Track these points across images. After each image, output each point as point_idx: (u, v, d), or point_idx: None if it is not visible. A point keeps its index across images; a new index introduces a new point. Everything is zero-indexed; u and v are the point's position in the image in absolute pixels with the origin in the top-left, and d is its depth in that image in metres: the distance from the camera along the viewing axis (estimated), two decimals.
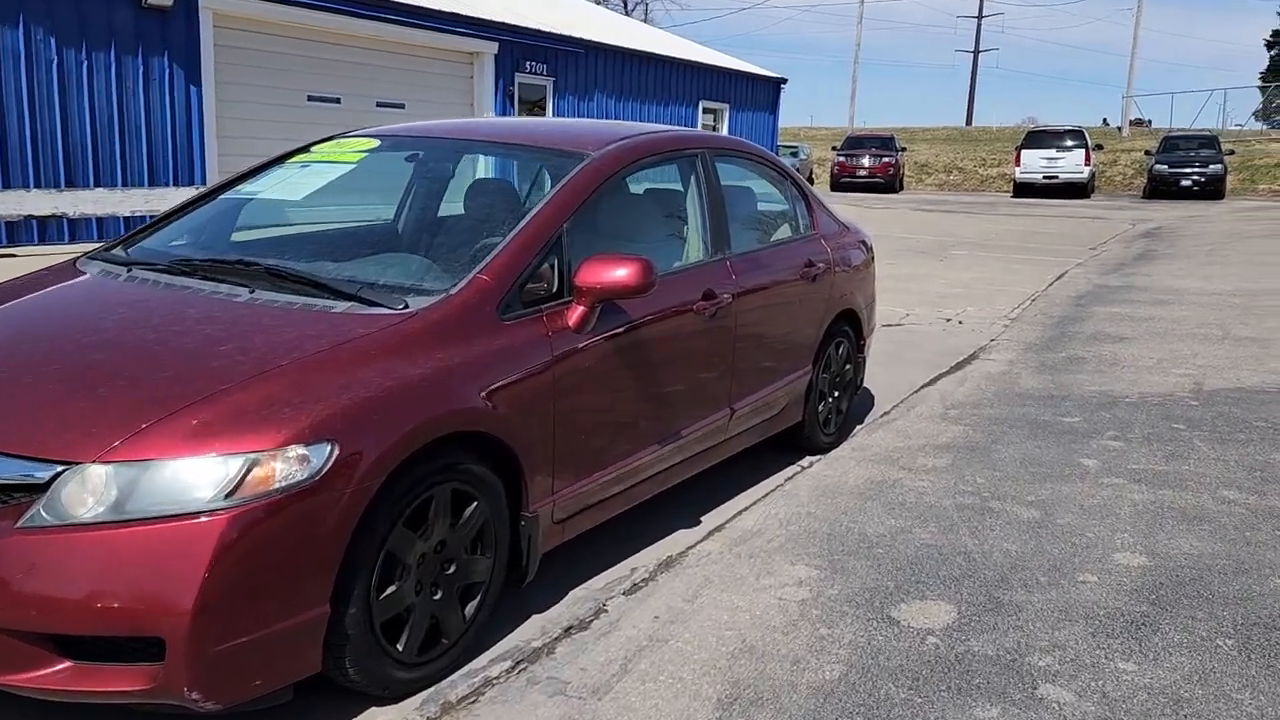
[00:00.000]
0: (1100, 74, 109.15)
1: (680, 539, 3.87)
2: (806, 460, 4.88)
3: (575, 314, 3.05)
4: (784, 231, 4.70)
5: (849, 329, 5.06)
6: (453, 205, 3.68)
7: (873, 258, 5.49)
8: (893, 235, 16.58)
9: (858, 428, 5.48)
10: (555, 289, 3.07)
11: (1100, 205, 25.18)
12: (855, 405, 5.55)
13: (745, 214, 4.40)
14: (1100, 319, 8.86)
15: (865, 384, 6.21)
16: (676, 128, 3.96)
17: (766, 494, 4.39)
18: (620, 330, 3.23)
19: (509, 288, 2.89)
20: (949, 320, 8.84)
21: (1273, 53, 54.38)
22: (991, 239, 16.46)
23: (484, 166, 3.86)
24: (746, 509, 4.19)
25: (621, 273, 3.00)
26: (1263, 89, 46.56)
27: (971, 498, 4.35)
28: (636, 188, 3.87)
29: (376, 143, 3.78)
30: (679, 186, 4.04)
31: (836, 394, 5.05)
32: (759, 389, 4.22)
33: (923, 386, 6.43)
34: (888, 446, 5.11)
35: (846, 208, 23.03)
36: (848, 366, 5.12)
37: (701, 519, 4.07)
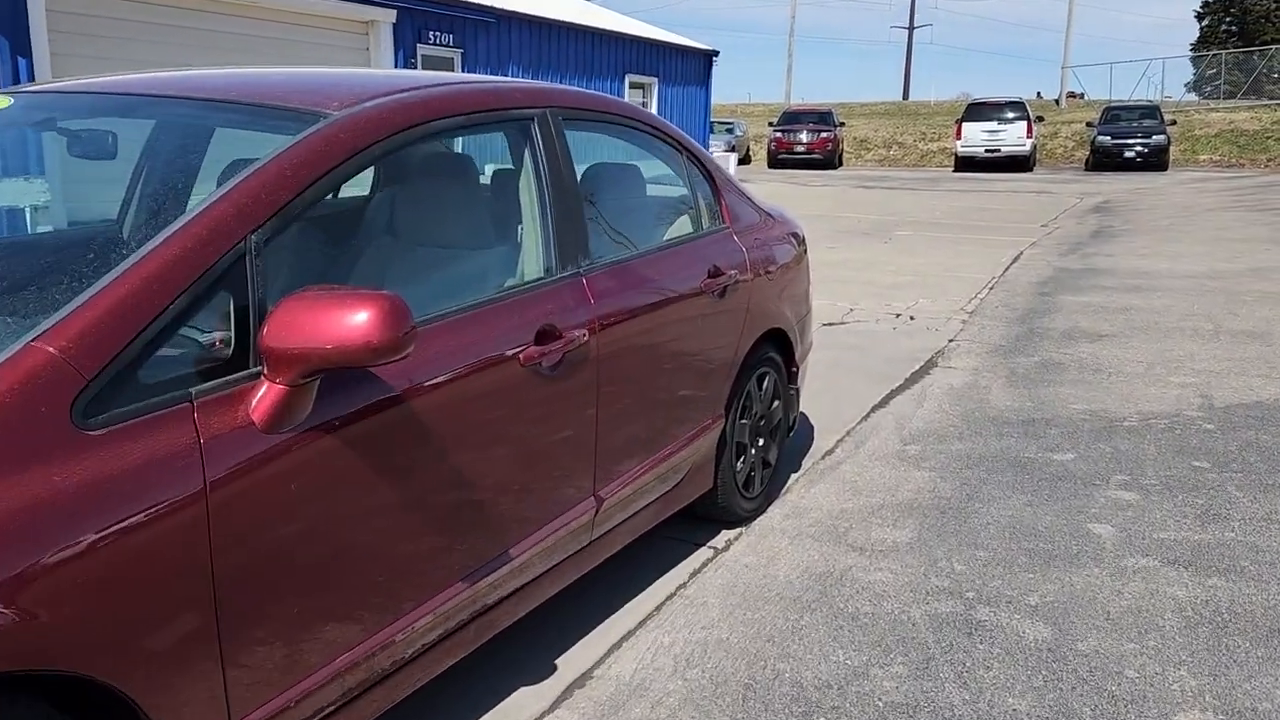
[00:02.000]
0: (1034, 49, 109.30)
1: (518, 710, 2.53)
2: (722, 538, 3.57)
3: (264, 401, 1.69)
4: (679, 227, 3.37)
5: (776, 355, 3.75)
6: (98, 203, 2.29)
7: (805, 254, 4.18)
8: (832, 215, 15.38)
9: (793, 478, 4.19)
10: (230, 354, 1.71)
11: (1044, 179, 24.31)
12: (790, 441, 4.25)
13: (616, 205, 3.06)
14: (1071, 311, 7.69)
15: (803, 407, 4.93)
16: (501, 79, 2.61)
17: (659, 605, 3.07)
18: (362, 416, 1.87)
19: (104, 365, 1.52)
20: (899, 316, 7.60)
21: (1203, 23, 54.36)
22: (937, 217, 15.34)
23: (168, 139, 2.45)
24: (626, 639, 2.86)
25: (353, 322, 1.65)
26: (1196, 60, 46.35)
27: (950, 601, 3.07)
28: (423, 169, 2.51)
29: (7, 102, 2.37)
30: (506, 166, 2.69)
31: (762, 442, 3.74)
32: (643, 461, 2.90)
33: (873, 409, 5.16)
34: (831, 509, 3.82)
35: (784, 186, 21.83)
36: (776, 404, 3.81)
37: (557, 663, 2.73)
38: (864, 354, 6.36)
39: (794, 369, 3.95)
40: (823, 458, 4.44)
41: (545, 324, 2.40)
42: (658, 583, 3.22)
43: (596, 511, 2.68)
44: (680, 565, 3.35)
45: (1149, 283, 8.95)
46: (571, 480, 2.57)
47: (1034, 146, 27.10)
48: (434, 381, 2.06)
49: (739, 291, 3.38)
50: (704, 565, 3.35)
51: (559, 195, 2.61)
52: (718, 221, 3.51)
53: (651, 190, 3.42)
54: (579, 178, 3.12)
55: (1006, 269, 9.97)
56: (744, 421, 3.56)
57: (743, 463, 3.60)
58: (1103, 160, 26.24)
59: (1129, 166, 25.91)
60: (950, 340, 6.77)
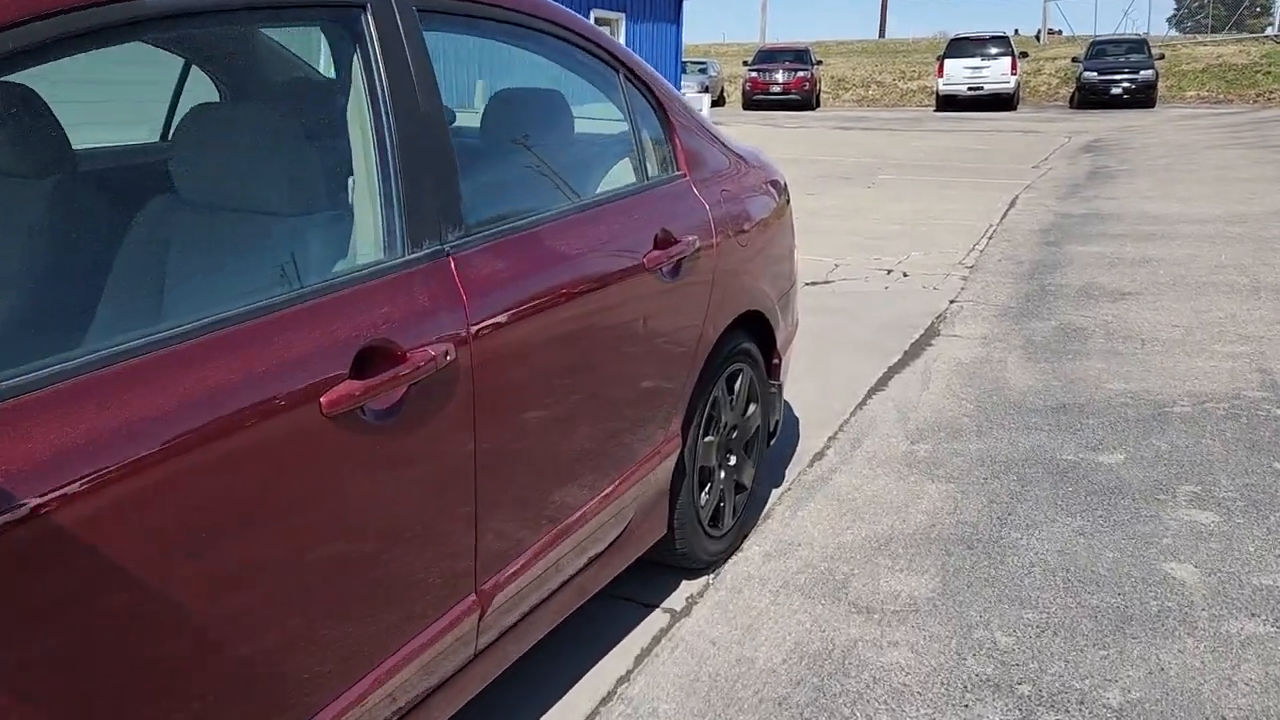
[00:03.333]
0: None
1: None
2: (682, 593, 2.68)
3: None
4: (615, 177, 2.41)
5: (752, 346, 2.83)
6: None
7: (789, 207, 3.24)
8: (812, 159, 14.39)
9: (775, 495, 3.29)
10: None
11: (1029, 118, 23.33)
12: (771, 448, 3.35)
13: (519, 148, 2.10)
14: (1084, 264, 6.80)
15: (786, 393, 4.04)
16: None
17: (589, 717, 2.18)
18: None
19: None
20: (889, 272, 6.69)
21: None
22: (922, 159, 14.39)
23: None
24: None
25: None
26: None
27: (999, 703, 2.19)
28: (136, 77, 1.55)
29: None
30: (310, 77, 1.74)
31: (734, 461, 2.84)
32: (556, 526, 1.98)
33: (869, 394, 4.27)
34: (825, 543, 2.93)
35: (759, 128, 20.74)
36: (752, 410, 2.90)
37: None
38: (853, 320, 5.45)
39: (775, 361, 3.03)
40: (811, 464, 3.54)
41: (371, 342, 1.46)
42: (587, 679, 2.32)
43: (481, 615, 1.77)
44: (622, 644, 2.45)
45: (1163, 229, 8.07)
46: (435, 574, 1.65)
47: (1018, 84, 26.11)
48: (180, 437, 1.13)
49: (701, 263, 2.44)
50: (655, 643, 2.45)
51: (410, 131, 1.66)
52: (671, 168, 2.56)
53: (556, 127, 2.46)
54: (482, 112, 2.18)
55: (1004, 215, 9.06)
56: (710, 439, 2.65)
57: (709, 493, 2.70)
58: (1089, 97, 25.30)
59: (1116, 104, 24.99)
60: (951, 301, 5.87)
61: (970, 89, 25.61)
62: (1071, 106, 26.41)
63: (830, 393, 4.27)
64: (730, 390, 2.74)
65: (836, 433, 3.84)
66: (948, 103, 26.06)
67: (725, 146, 2.90)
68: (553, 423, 1.91)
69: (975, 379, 4.43)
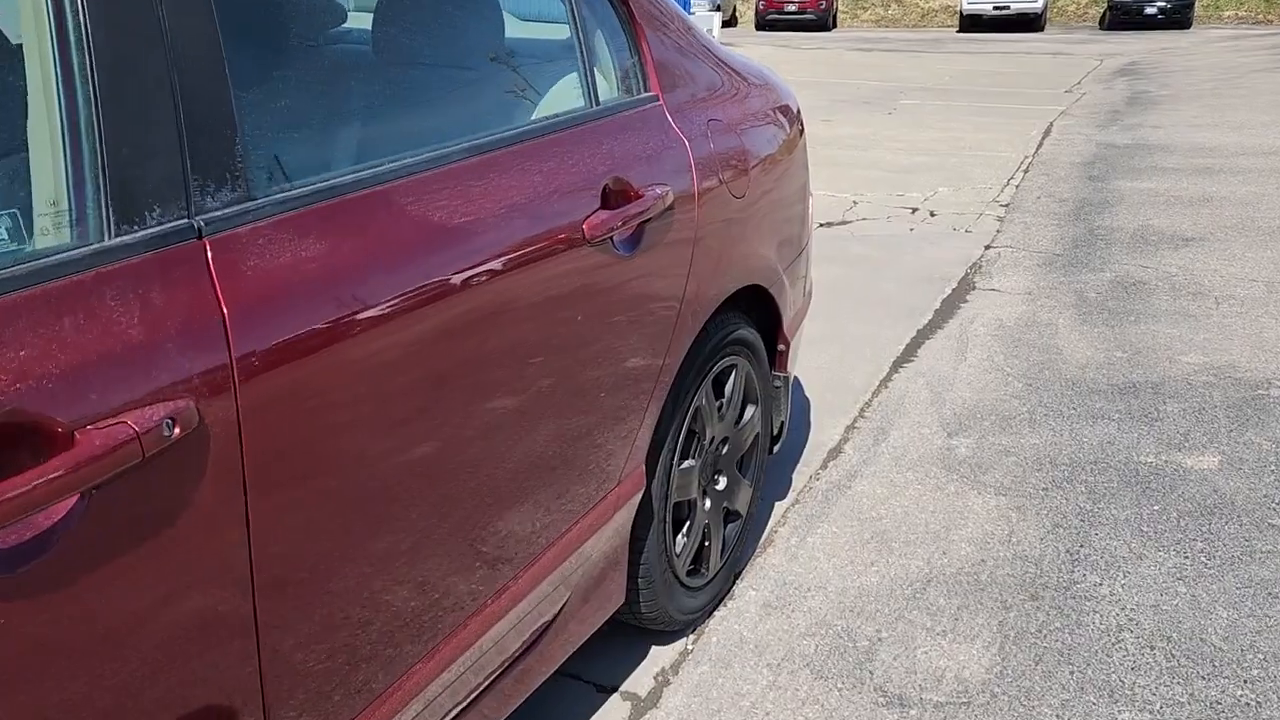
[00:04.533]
0: None
1: None
2: (651, 667, 2.00)
3: None
4: (552, 103, 1.65)
5: (749, 332, 2.09)
6: None
7: (802, 139, 2.47)
8: (827, 82, 13.42)
9: (779, 510, 2.60)
10: None
11: (1058, 39, 22.11)
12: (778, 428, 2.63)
13: (394, 61, 1.36)
14: (1136, 203, 5.99)
15: (797, 366, 3.34)
16: None
17: None
18: None
19: None
20: (915, 211, 5.91)
21: None
22: (946, 83, 13.42)
23: None
24: None
25: None
26: None
27: None
28: None
29: None
30: None
31: (724, 484, 2.12)
32: (436, 634, 1.27)
33: (895, 367, 3.54)
34: (841, 590, 2.24)
35: (772, 50, 19.60)
36: (750, 415, 2.17)
37: None
38: (876, 271, 4.70)
39: (781, 348, 2.30)
40: (825, 465, 2.84)
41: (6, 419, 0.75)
42: None
43: None
44: None
45: (1221, 162, 7.21)
46: None
47: (1045, 3, 24.84)
48: None
49: (676, 225, 1.70)
50: None
51: (123, 36, 0.91)
52: (637, 88, 1.80)
53: (520, 32, 1.71)
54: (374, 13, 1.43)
55: (1039, 145, 8.20)
56: (689, 464, 1.94)
57: (688, 534, 1.99)
58: (1121, 18, 24.04)
59: (1149, 24, 23.73)
60: (987, 247, 5.10)
61: (995, 8, 24.42)
62: (1102, 27, 25.13)
63: (848, 365, 3.55)
64: (718, 394, 2.02)
65: (856, 420, 3.13)
66: (972, 23, 24.85)
67: (718, 60, 2.13)
68: (413, 493, 1.20)
69: (1021, 347, 3.70)
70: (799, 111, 2.48)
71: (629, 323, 1.58)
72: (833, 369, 3.51)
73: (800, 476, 2.77)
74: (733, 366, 2.05)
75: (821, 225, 5.50)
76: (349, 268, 1.08)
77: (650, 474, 1.78)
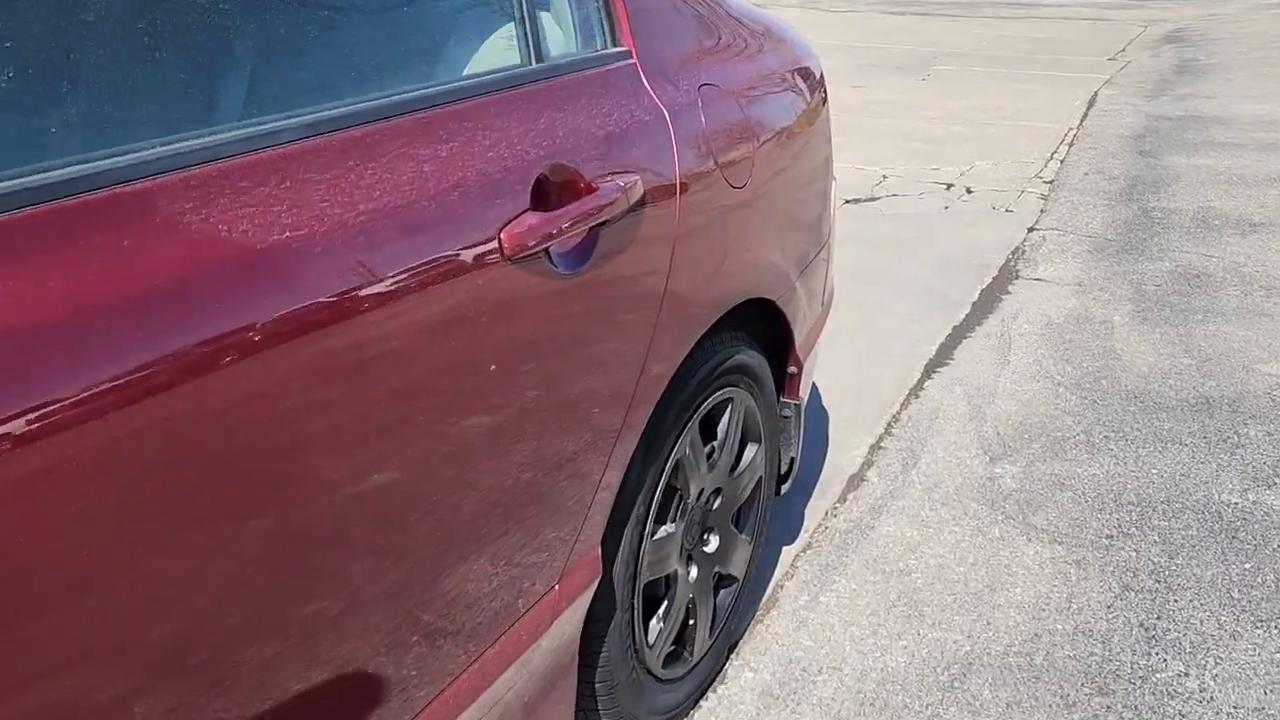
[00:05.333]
0: None
1: None
2: None
3: None
4: (483, 55, 1.20)
5: (750, 356, 1.64)
6: None
7: (824, 107, 2.01)
8: (857, 45, 12.81)
9: (785, 557, 2.16)
10: None
11: (1098, 4, 21.17)
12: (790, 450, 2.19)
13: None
14: (1193, 182, 5.45)
15: (816, 368, 2.90)
16: None
17: None
18: None
19: None
20: (950, 187, 5.41)
21: None
22: (983, 48, 12.79)
23: None
24: None
25: None
26: None
27: None
28: None
29: None
30: None
31: (716, 545, 1.68)
32: None
33: (928, 372, 3.09)
34: (860, 675, 1.80)
35: (799, 13, 18.86)
36: (751, 456, 1.73)
37: None
38: (905, 254, 4.22)
39: (793, 371, 1.85)
40: (844, 497, 2.39)
41: None
42: None
43: None
44: None
45: None
46: None
47: None
48: None
49: (645, 229, 1.25)
50: None
51: None
52: (601, 40, 1.34)
53: None
54: None
55: (1084, 116, 7.64)
56: (666, 531, 1.50)
57: (665, 616, 1.56)
58: None
59: None
60: (1030, 229, 4.61)
61: None
62: None
63: (874, 367, 3.10)
64: (709, 437, 1.58)
65: (882, 438, 2.68)
66: None
67: (718, 6, 1.66)
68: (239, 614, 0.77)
69: (1073, 350, 3.23)
70: (822, 76, 2.02)
71: (572, 368, 1.14)
72: (856, 371, 3.06)
73: (814, 512, 2.33)
74: (728, 401, 1.60)
75: (847, 202, 5.02)
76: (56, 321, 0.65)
77: (610, 555, 1.35)
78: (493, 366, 1.00)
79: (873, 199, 5.16)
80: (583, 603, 1.27)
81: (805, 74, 1.91)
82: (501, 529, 1.09)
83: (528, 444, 1.09)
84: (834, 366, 3.07)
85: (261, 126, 0.84)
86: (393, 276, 0.88)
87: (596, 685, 1.41)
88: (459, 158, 0.99)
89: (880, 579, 2.07)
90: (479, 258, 0.98)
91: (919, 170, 5.77)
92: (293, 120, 0.86)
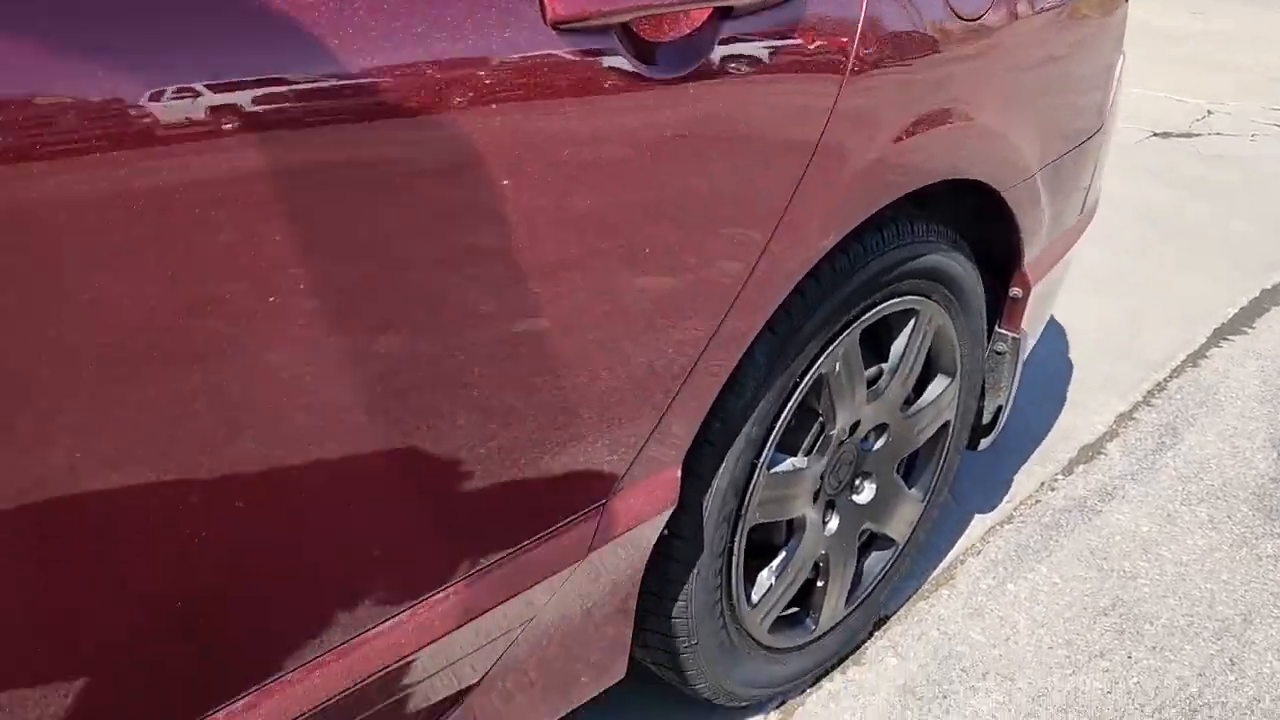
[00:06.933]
0: None
1: None
2: None
3: None
4: None
5: (953, 260, 1.24)
6: None
7: None
8: None
9: (977, 524, 1.75)
10: None
11: None
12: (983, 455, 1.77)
13: None
14: None
15: (1052, 299, 2.44)
16: None
17: None
18: None
19: None
20: None
21: None
22: None
23: None
24: None
25: None
26: None
27: None
28: None
29: None
30: None
31: (870, 492, 1.32)
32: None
33: (1216, 337, 2.49)
34: (1034, 702, 1.40)
35: None
36: (938, 393, 1.34)
37: None
38: (1218, 200, 3.48)
39: (1018, 294, 1.42)
40: (1071, 468, 1.93)
41: None
42: None
43: None
44: None
45: None
46: None
47: None
48: None
49: (805, 33, 0.88)
50: None
51: None
52: None
53: None
54: None
55: None
56: (791, 464, 1.15)
57: (778, 575, 1.23)
58: None
59: None
60: None
61: None
62: None
63: (1143, 324, 2.53)
64: (875, 357, 1.21)
65: (1138, 407, 2.16)
66: None
67: None
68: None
69: None
70: None
71: (665, 215, 0.81)
72: (1118, 325, 2.51)
73: (1026, 480, 1.89)
74: (910, 314, 1.22)
75: (1155, 135, 4.25)
76: None
77: (702, 482, 1.03)
78: (505, 181, 0.69)
79: (1190, 135, 4.35)
80: (645, 533, 0.96)
81: None
82: (524, 407, 0.79)
83: (591, 314, 0.79)
84: (1092, 311, 2.54)
85: None
86: (378, 73, 0.59)
87: (674, 637, 1.11)
88: None
89: (1094, 577, 1.63)
90: (511, 38, 0.66)
91: (1255, 109, 4.82)
92: None
